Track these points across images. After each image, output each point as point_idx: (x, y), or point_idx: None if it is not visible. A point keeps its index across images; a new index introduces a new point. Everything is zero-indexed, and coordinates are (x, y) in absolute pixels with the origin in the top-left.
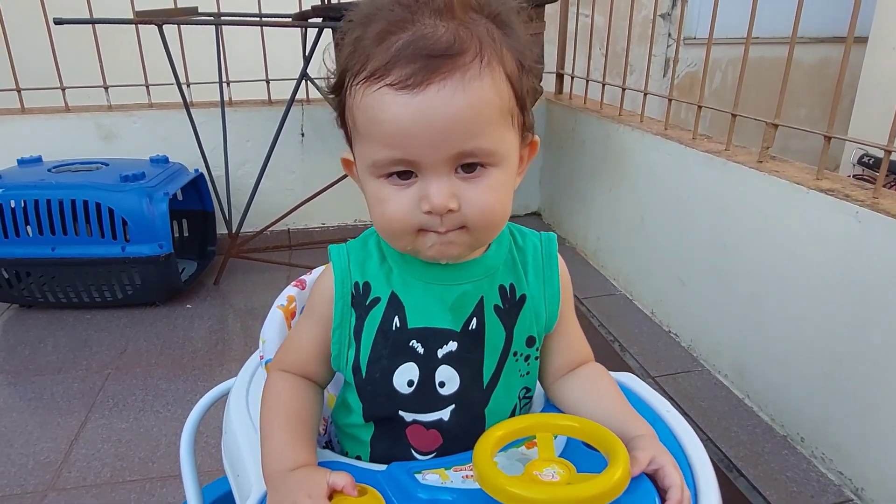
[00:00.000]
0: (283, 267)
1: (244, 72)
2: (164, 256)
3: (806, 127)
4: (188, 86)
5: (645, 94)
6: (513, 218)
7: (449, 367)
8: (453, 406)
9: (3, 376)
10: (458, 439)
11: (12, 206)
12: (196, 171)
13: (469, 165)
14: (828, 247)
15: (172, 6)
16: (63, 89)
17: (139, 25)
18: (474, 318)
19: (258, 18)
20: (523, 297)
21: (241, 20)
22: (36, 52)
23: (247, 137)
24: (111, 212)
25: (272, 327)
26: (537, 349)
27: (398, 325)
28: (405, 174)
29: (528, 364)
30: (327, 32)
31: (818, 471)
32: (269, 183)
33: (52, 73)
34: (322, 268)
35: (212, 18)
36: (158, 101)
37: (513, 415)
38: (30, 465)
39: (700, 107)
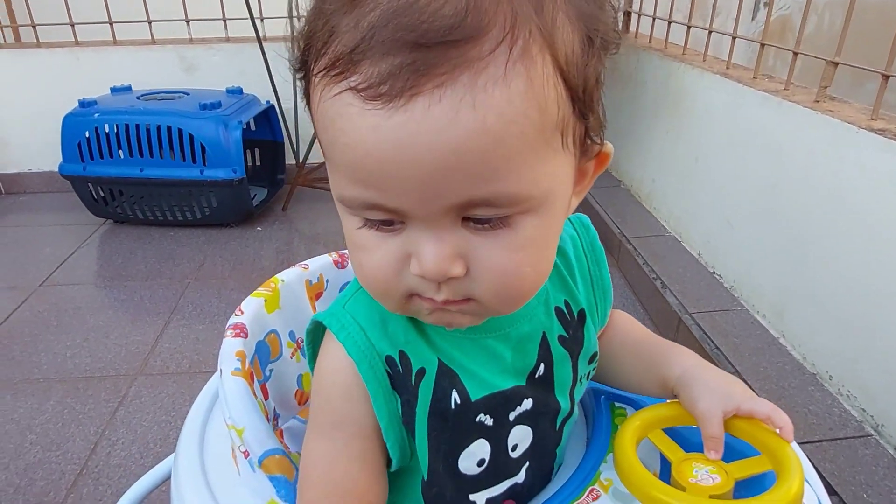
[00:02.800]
0: None
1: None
2: (237, 181)
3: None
4: (262, 20)
5: (734, 38)
6: None
7: (523, 426)
8: (527, 464)
9: (101, 280)
10: (531, 491)
11: (106, 129)
12: (267, 102)
13: (483, 220)
14: (876, 188)
15: None
16: (150, 22)
17: None
18: (542, 363)
19: None
20: (582, 314)
21: None
22: None
23: None
24: (191, 137)
25: (241, 406)
26: (597, 360)
27: (458, 401)
28: (389, 222)
29: (588, 379)
30: None
31: (841, 407)
32: None
33: (140, 8)
34: (294, 272)
35: None
36: (235, 35)
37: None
38: (122, 353)
39: (796, 53)
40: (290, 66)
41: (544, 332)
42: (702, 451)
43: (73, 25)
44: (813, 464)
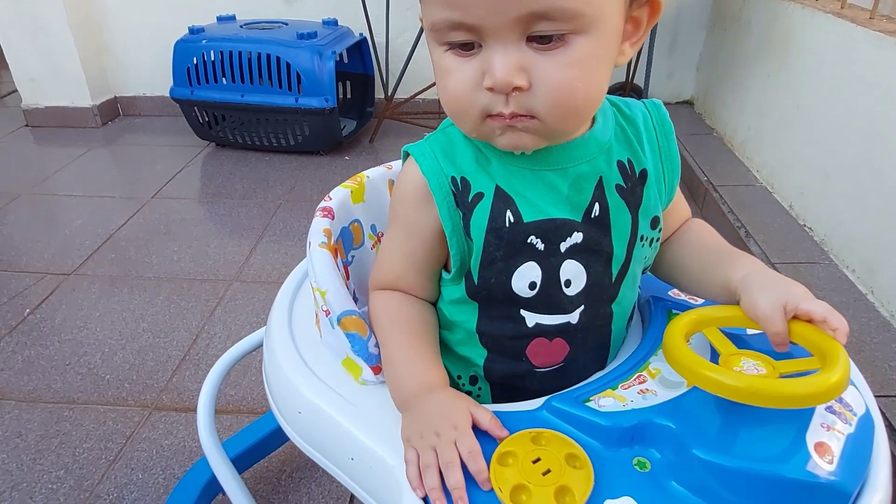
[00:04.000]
0: (431, 131)
1: None
2: (329, 110)
3: None
4: None
5: None
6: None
7: (575, 262)
8: (583, 307)
9: (204, 196)
10: (585, 345)
11: (212, 56)
12: (360, 35)
13: (545, 34)
14: None
15: None
16: None
17: None
18: (597, 204)
19: None
20: (644, 173)
21: None
22: None
23: (407, 6)
24: (288, 66)
25: (326, 273)
26: (660, 230)
27: (511, 220)
28: (468, 45)
29: (652, 248)
30: None
31: None
32: (423, 51)
33: None
34: (379, 171)
35: None
36: None
37: (632, 314)
38: (221, 261)
39: None
40: None
41: (601, 177)
42: (754, 349)
43: None
44: (887, 418)
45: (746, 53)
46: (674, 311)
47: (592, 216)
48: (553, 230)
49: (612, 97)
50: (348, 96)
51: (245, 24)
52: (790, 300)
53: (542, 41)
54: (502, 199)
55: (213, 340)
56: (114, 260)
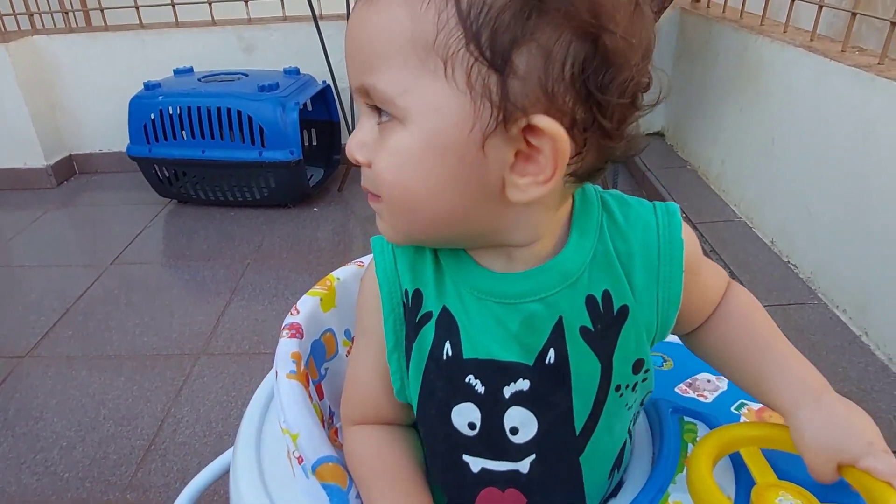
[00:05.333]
0: None
1: None
2: (295, 162)
3: None
4: None
5: (820, 7)
6: None
7: (522, 408)
8: (534, 457)
9: (166, 259)
10: (546, 495)
11: (170, 111)
12: (324, 82)
13: (383, 111)
14: None
15: None
16: (210, 3)
17: None
18: (552, 349)
19: None
20: (624, 311)
21: None
22: None
23: None
24: (250, 119)
25: (296, 411)
26: (647, 370)
27: (450, 353)
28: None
29: (637, 392)
30: None
31: None
32: None
33: None
34: (349, 270)
35: None
36: (291, 14)
37: (622, 452)
38: (186, 333)
39: (894, 23)
40: None
41: (561, 317)
42: (797, 483)
43: (137, 8)
44: None
45: (716, 85)
46: (686, 419)
47: (547, 362)
48: (494, 372)
49: (613, 193)
50: (313, 144)
51: (203, 77)
52: (847, 456)
53: (381, 118)
54: (445, 326)
55: (180, 426)
56: (71, 337)
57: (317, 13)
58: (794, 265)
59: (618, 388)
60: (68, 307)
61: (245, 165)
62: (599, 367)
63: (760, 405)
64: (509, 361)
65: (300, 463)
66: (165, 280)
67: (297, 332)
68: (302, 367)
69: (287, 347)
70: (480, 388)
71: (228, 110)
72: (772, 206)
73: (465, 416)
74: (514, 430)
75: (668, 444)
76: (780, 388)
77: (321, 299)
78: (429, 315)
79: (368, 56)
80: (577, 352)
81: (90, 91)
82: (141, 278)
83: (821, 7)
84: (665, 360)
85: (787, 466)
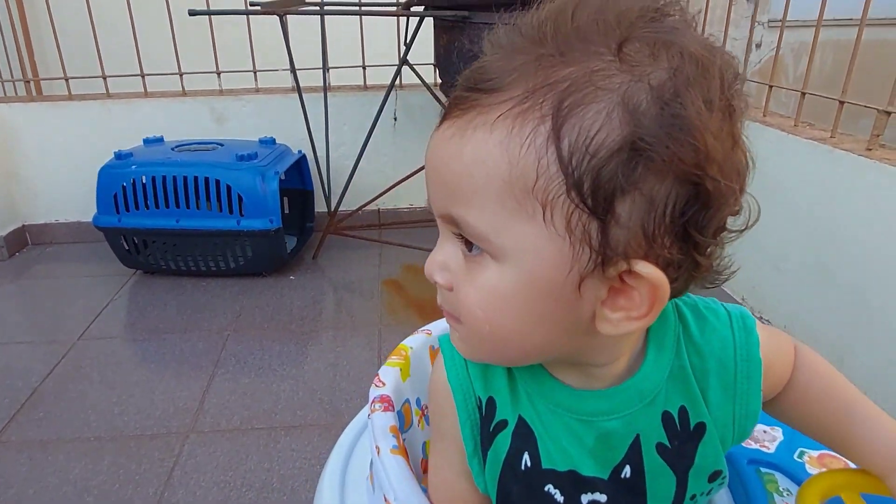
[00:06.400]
0: (374, 244)
1: (336, 58)
2: (274, 231)
3: None
4: (292, 72)
5: (770, 87)
6: None
7: None
8: None
9: (138, 333)
10: None
11: (143, 181)
12: (299, 151)
13: (471, 242)
14: None
15: None
16: (181, 75)
17: (249, 16)
18: (628, 466)
19: (358, 8)
20: (701, 427)
21: (346, 10)
22: (157, 41)
23: (343, 121)
24: (228, 188)
25: (407, 488)
26: (724, 477)
27: (528, 464)
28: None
29: (710, 495)
30: (428, 20)
31: None
32: (362, 164)
33: (169, 60)
34: (419, 339)
35: (318, 9)
36: (264, 86)
37: None
38: (171, 409)
39: (804, 93)
40: (422, 79)
41: (638, 435)
42: None
43: (105, 78)
44: None
45: None
46: (763, 471)
47: (622, 477)
48: (573, 483)
49: (688, 302)
50: (286, 212)
51: (177, 146)
52: None
53: (467, 248)
54: (522, 436)
55: None
56: (42, 420)
57: (294, 85)
58: (767, 320)
59: (693, 497)
60: (35, 387)
61: (222, 234)
62: (675, 480)
63: (820, 451)
64: (587, 476)
65: None
66: (141, 355)
67: (388, 404)
68: (402, 441)
69: (385, 421)
70: (559, 498)
71: (206, 179)
72: (743, 266)
73: None
74: None
75: (756, 497)
76: (873, 450)
77: (401, 370)
78: (503, 423)
79: (459, 189)
80: (653, 468)
81: (50, 160)
82: (113, 353)
83: (770, 88)
84: None
85: None
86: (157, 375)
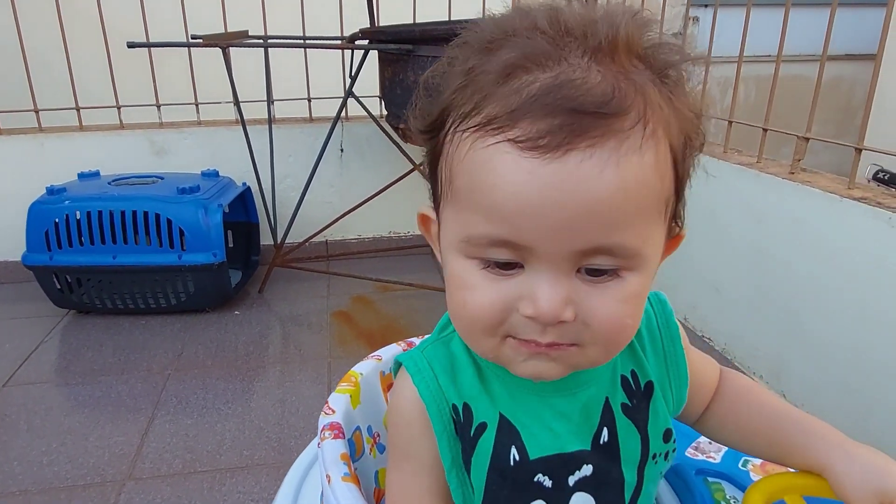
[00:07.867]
0: (322, 276)
1: (282, 90)
2: (218, 265)
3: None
4: (236, 104)
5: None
6: None
7: (584, 493)
8: None
9: (71, 376)
10: None
11: (77, 216)
12: (244, 184)
13: (599, 268)
14: (863, 251)
15: (223, 31)
16: (118, 108)
17: (191, 48)
18: (605, 428)
19: (303, 41)
20: (650, 386)
21: (290, 43)
22: (93, 73)
23: (289, 153)
24: (169, 222)
25: None
26: (674, 440)
27: (517, 458)
28: (508, 265)
29: (667, 460)
30: (373, 53)
31: None
32: (309, 196)
33: (107, 93)
34: (369, 365)
35: (262, 42)
36: (206, 119)
37: None
38: (106, 456)
39: (731, 122)
40: (368, 111)
41: (607, 398)
42: None
43: (37, 112)
44: None
45: None
46: (709, 480)
47: (601, 442)
48: (561, 465)
49: None
50: (230, 246)
51: (114, 181)
52: (888, 496)
53: (593, 274)
54: (506, 433)
55: None
56: None
57: (238, 117)
58: (708, 338)
59: (654, 456)
60: None
61: (162, 270)
62: (639, 438)
63: (762, 460)
64: (573, 451)
65: None
66: (73, 399)
67: (339, 431)
68: (353, 469)
69: (336, 448)
70: (548, 483)
71: (145, 213)
72: (681, 288)
73: None
74: None
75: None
76: (809, 450)
77: (350, 396)
78: (483, 426)
79: (621, 215)
80: (624, 427)
81: None
82: (43, 399)
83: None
84: None
85: None
86: (91, 420)
